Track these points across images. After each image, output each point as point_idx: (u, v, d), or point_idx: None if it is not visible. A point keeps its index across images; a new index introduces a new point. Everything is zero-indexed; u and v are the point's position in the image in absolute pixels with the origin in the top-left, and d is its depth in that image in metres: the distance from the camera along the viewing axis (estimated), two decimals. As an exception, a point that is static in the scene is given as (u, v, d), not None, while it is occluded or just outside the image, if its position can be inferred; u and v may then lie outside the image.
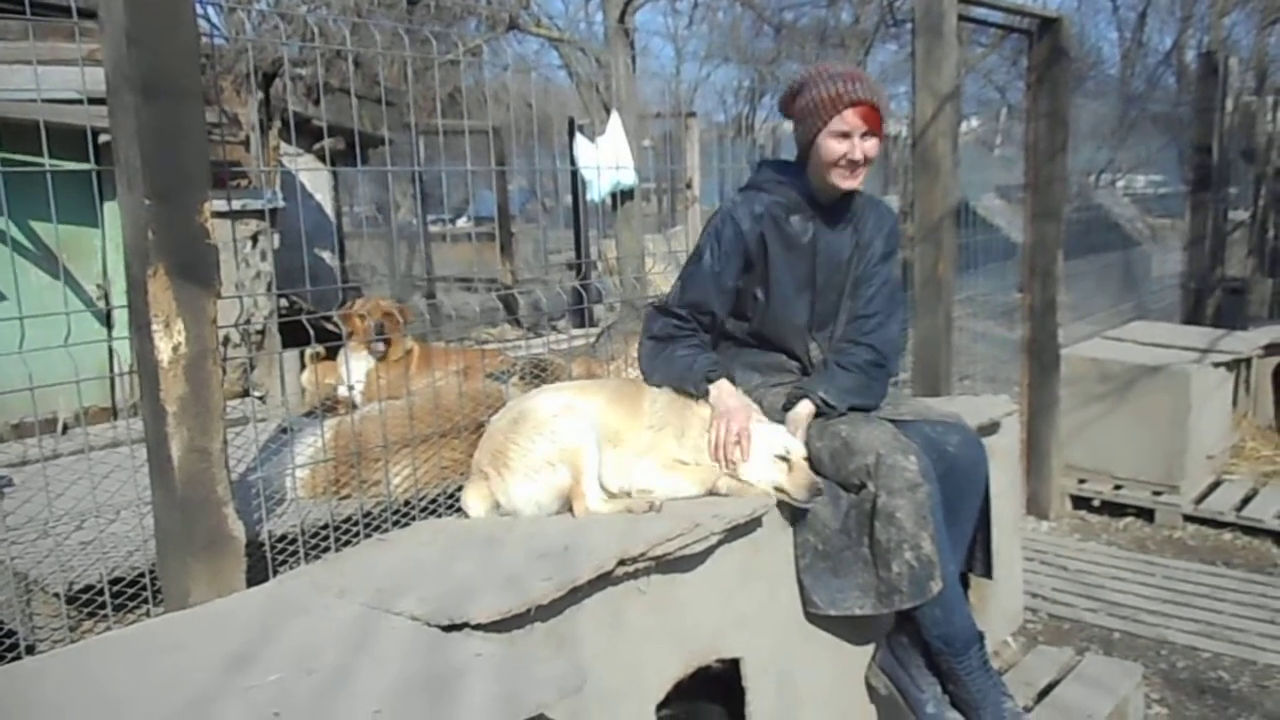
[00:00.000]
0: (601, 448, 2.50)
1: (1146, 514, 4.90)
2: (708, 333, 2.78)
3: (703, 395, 2.62)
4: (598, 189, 6.07)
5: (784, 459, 2.49)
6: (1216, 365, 5.13)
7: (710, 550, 2.30)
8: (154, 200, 1.92)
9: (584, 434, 2.47)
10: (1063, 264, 4.96)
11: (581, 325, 5.70)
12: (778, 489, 2.48)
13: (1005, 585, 3.47)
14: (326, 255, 7.85)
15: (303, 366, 3.81)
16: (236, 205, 4.36)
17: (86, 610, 2.13)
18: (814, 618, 2.57)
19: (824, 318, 2.78)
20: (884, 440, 2.48)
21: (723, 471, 2.53)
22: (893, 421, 2.63)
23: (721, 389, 2.62)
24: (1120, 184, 10.41)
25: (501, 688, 1.51)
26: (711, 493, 2.52)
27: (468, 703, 1.46)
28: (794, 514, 2.56)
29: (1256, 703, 3.18)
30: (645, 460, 2.55)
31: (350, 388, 3.32)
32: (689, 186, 8.14)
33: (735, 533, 2.37)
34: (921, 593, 2.42)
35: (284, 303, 5.40)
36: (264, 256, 4.73)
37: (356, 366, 3.50)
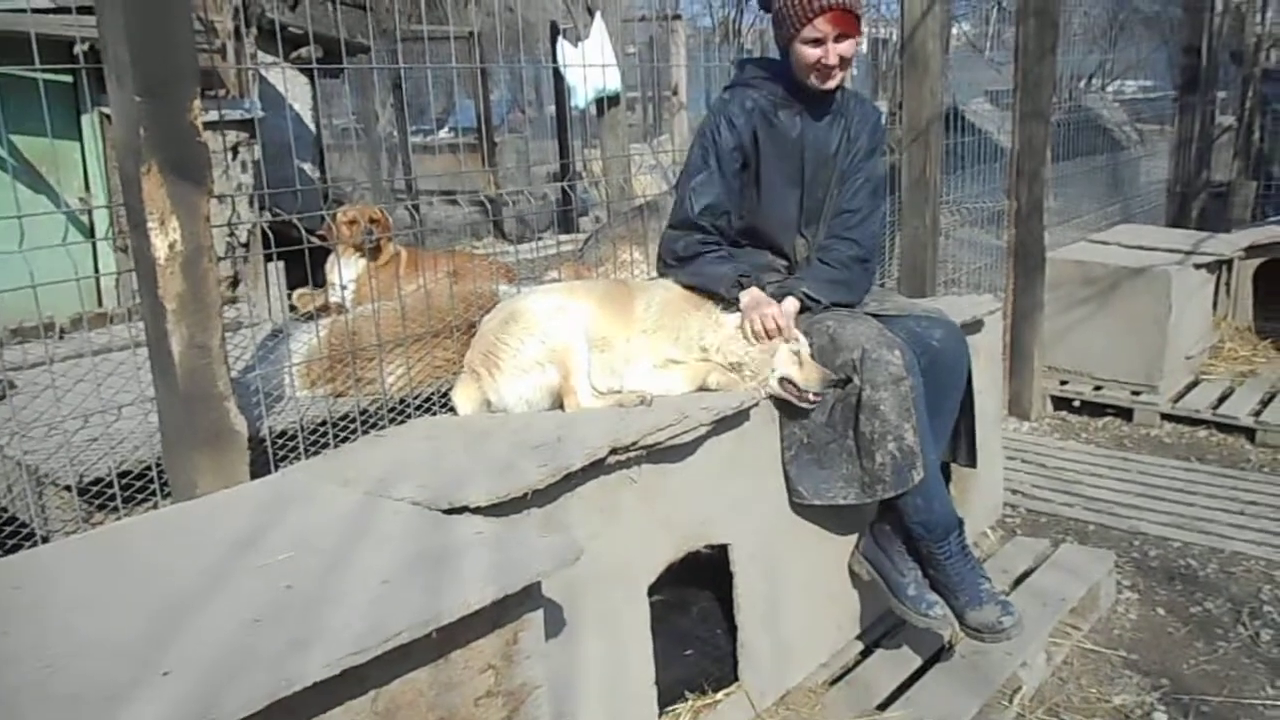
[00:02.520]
0: (591, 350, 2.57)
1: (1125, 413, 5.03)
2: (728, 240, 2.82)
3: (735, 300, 2.68)
4: (582, 94, 6.02)
5: (796, 354, 2.58)
6: (1198, 267, 5.20)
7: (699, 441, 2.39)
8: (144, 96, 1.94)
9: (574, 334, 2.54)
10: (1050, 167, 4.99)
11: (568, 232, 5.72)
12: (789, 382, 2.56)
13: (986, 480, 3.59)
14: (307, 167, 7.77)
15: (292, 307, 3.84)
16: (216, 116, 4.33)
17: (96, 503, 2.21)
18: (799, 507, 2.67)
19: (812, 214, 2.83)
20: (869, 335, 2.55)
21: (713, 366, 2.61)
22: (877, 317, 2.70)
23: (754, 294, 2.68)
24: (1110, 89, 10.35)
25: (502, 557, 1.60)
26: (702, 388, 2.61)
27: (470, 572, 1.55)
28: (783, 407, 2.64)
29: (1223, 587, 3.33)
30: (638, 362, 2.63)
31: (344, 287, 3.36)
32: (675, 93, 8.07)
33: (723, 425, 2.46)
34: (903, 482, 2.51)
35: (266, 215, 5.38)
36: (245, 168, 4.71)
37: (347, 270, 3.54)
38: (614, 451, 2.17)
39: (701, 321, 2.65)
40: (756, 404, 2.55)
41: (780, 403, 2.62)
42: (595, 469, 2.14)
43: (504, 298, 2.97)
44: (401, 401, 2.76)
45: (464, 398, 2.61)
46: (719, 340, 2.63)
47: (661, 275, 2.89)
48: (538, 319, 2.56)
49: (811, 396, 2.54)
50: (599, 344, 2.59)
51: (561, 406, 2.52)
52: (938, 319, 2.78)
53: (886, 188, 3.63)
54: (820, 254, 2.80)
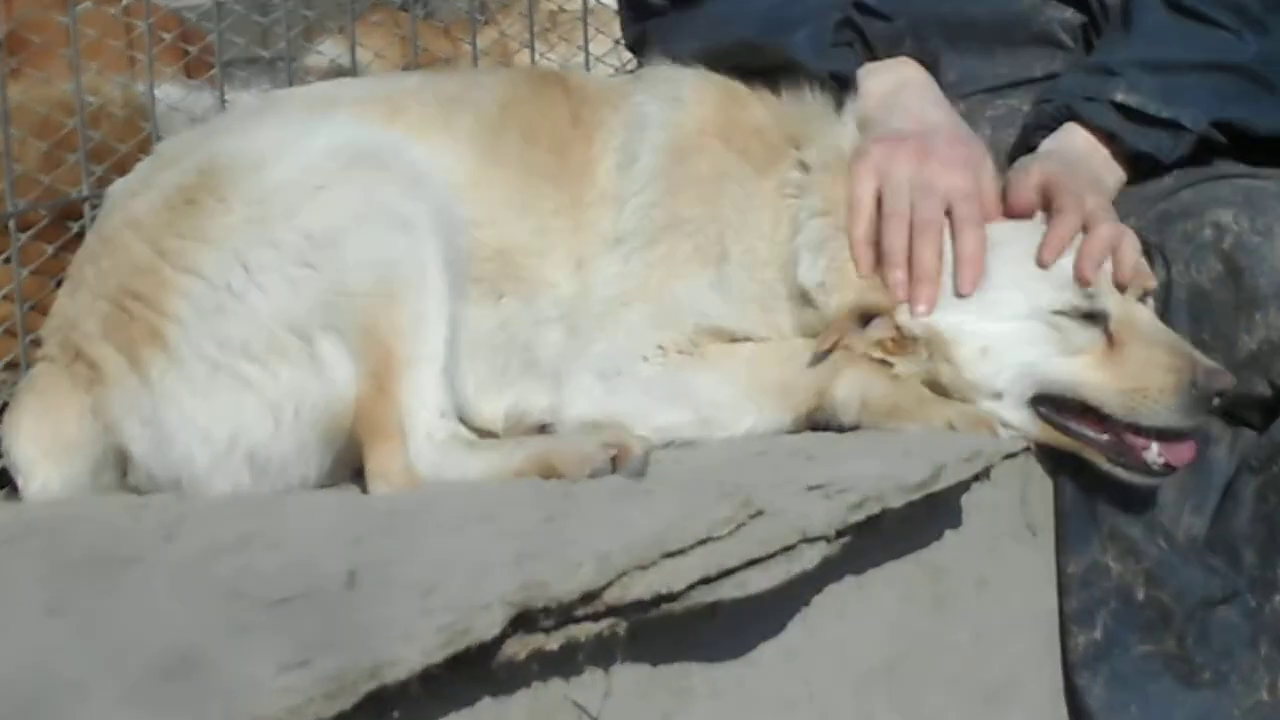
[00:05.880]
0: (468, 297, 2.63)
1: None
2: None
3: (832, 77, 2.74)
4: None
5: (1089, 316, 2.59)
6: None
7: (800, 588, 2.39)
8: None
9: (407, 242, 2.57)
10: None
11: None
12: (1065, 411, 2.59)
13: None
14: None
15: None
16: None
17: None
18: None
19: None
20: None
21: (847, 353, 2.63)
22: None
23: (905, 78, 2.76)
24: None
25: None
26: (815, 422, 2.65)
27: None
28: (1069, 484, 2.66)
29: None
30: (608, 335, 2.69)
31: None
32: None
33: (871, 536, 2.45)
34: None
35: None
36: None
37: None
38: (524, 620, 2.17)
39: (777, 201, 2.75)
40: (985, 472, 2.55)
41: (1061, 470, 2.64)
42: (471, 673, 2.13)
43: (171, 125, 3.04)
44: None
45: (42, 436, 2.63)
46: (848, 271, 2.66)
47: None
48: (292, 189, 2.60)
49: (1156, 455, 2.54)
50: (486, 276, 2.66)
51: (361, 474, 2.52)
52: None
53: None
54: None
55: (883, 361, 2.63)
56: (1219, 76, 2.80)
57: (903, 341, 2.63)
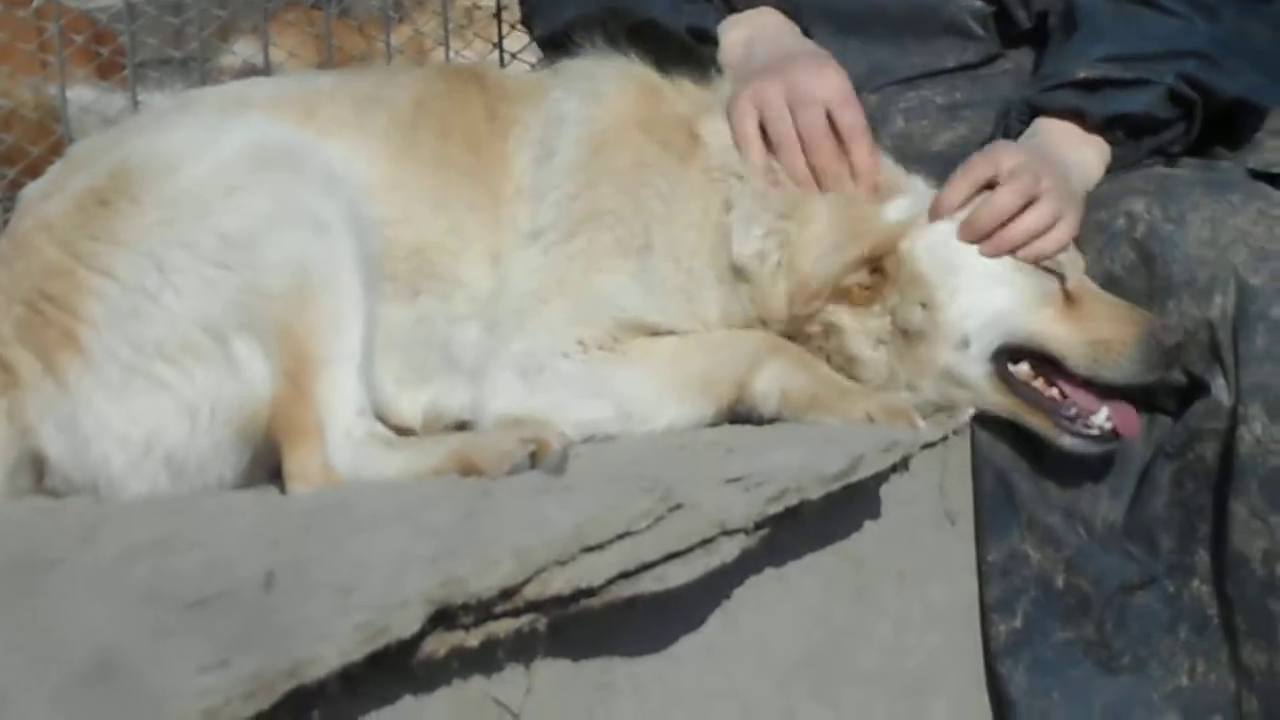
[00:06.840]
0: (383, 295, 2.61)
1: None
2: None
3: (689, 32, 2.77)
4: None
5: (1048, 270, 2.61)
6: None
7: (719, 580, 2.38)
8: None
9: (321, 241, 2.55)
10: None
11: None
12: (1008, 373, 2.60)
13: None
14: None
15: None
16: None
17: None
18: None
19: None
20: (1256, 245, 2.60)
21: (773, 343, 2.65)
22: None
23: (762, 24, 2.78)
24: None
25: None
26: (736, 415, 2.65)
27: None
28: (987, 467, 2.66)
29: None
30: (530, 332, 2.67)
31: None
32: None
33: (793, 528, 2.44)
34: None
35: None
36: None
37: None
38: (445, 616, 2.16)
39: (701, 187, 2.75)
40: (903, 462, 2.54)
41: (980, 459, 2.65)
42: (391, 673, 2.12)
43: (83, 127, 3.01)
44: None
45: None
46: (804, 248, 2.65)
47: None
48: (203, 194, 2.56)
49: (1104, 419, 2.57)
50: (403, 274, 2.64)
51: (279, 474, 2.49)
52: None
53: None
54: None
55: (825, 331, 2.66)
56: (1174, 60, 2.81)
57: (872, 291, 2.63)
